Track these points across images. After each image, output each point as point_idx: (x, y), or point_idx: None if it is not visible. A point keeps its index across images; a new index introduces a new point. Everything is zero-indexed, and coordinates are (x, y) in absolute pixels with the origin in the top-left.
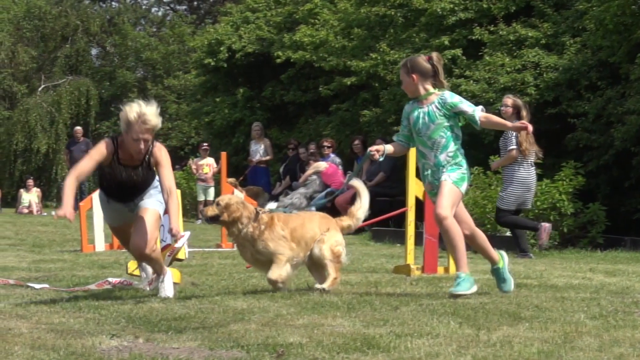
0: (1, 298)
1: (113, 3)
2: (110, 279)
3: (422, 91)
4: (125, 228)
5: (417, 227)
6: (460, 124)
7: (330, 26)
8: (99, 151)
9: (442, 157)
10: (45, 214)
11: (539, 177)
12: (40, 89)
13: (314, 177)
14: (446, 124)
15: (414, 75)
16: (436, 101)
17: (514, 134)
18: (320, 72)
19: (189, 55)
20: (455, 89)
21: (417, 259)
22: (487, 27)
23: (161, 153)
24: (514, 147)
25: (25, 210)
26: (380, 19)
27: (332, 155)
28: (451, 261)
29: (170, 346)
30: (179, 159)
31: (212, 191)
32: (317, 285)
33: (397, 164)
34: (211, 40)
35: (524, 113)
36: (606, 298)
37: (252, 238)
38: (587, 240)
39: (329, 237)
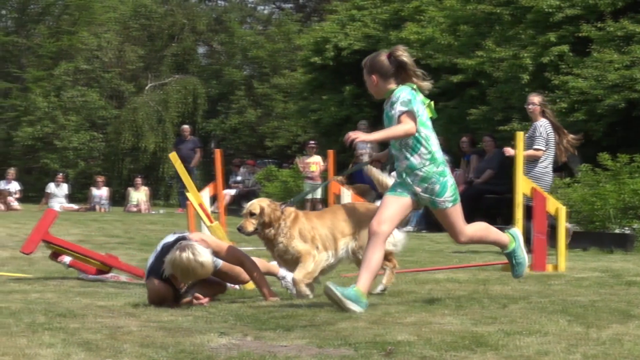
0: (111, 296)
1: (219, 1)
2: None
3: (383, 91)
4: None
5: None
6: (423, 123)
7: (437, 23)
8: (159, 294)
9: (414, 160)
10: (153, 212)
11: None
12: (147, 87)
13: None
14: None
15: (373, 76)
16: (391, 101)
17: (542, 133)
18: (427, 69)
19: (296, 54)
20: (563, 86)
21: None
22: (595, 24)
23: (207, 244)
24: (542, 148)
25: (134, 209)
26: (487, 16)
27: None
28: (561, 258)
29: (278, 344)
30: (286, 158)
31: (319, 189)
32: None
33: (505, 161)
34: (318, 38)
35: (548, 111)
36: None
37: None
38: None
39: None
